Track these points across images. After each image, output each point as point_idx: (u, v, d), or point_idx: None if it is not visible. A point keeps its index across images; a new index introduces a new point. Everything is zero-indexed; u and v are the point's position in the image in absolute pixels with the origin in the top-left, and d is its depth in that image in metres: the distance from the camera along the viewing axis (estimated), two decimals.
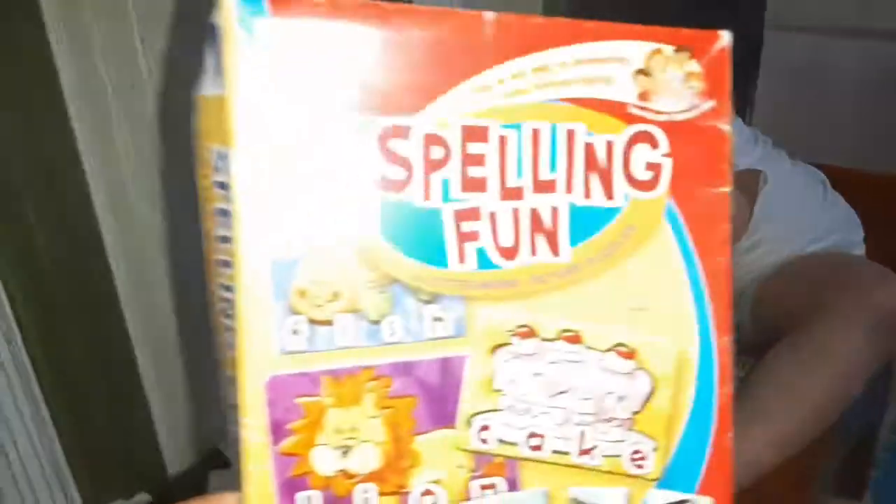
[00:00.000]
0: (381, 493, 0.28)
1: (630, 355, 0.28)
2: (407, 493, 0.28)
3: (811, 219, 0.95)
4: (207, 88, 0.27)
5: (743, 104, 1.85)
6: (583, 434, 0.29)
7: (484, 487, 0.28)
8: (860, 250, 0.98)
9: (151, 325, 0.80)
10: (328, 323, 0.27)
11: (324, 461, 0.27)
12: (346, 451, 0.28)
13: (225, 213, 0.26)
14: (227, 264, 0.27)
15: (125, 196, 0.72)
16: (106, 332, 0.76)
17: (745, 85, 1.83)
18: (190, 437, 0.88)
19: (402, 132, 0.27)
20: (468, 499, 0.28)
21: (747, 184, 0.87)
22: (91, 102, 0.67)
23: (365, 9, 0.26)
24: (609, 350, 0.28)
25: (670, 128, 0.28)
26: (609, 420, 0.29)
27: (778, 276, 0.90)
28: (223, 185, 0.26)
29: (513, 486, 0.29)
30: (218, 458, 0.88)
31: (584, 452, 0.29)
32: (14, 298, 0.65)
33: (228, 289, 0.27)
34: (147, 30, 0.68)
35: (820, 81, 1.72)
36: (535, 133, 0.28)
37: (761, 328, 0.94)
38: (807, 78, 1.74)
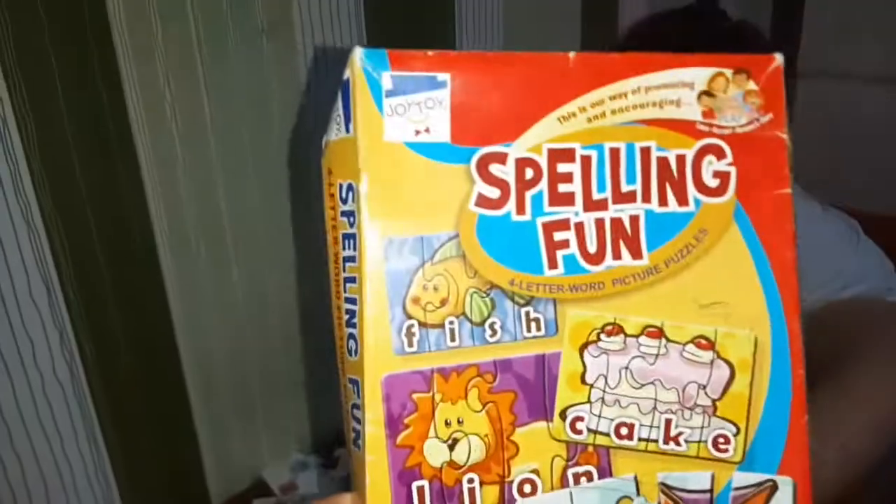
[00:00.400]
0: (484, 483, 0.31)
1: (709, 346, 0.31)
2: (508, 482, 0.31)
3: (843, 266, 0.93)
4: (334, 134, 0.31)
5: None
6: (668, 422, 0.31)
7: (578, 476, 0.31)
8: (894, 297, 0.99)
9: (203, 358, 0.83)
10: (438, 326, 0.30)
11: (434, 453, 0.30)
12: (453, 443, 0.31)
13: (350, 237, 0.30)
14: (352, 280, 0.30)
15: (186, 239, 0.77)
16: (161, 365, 0.80)
17: None
18: (235, 467, 0.91)
19: (499, 158, 0.30)
20: (564, 486, 0.31)
21: None
22: (159, 153, 0.71)
23: (469, 58, 0.29)
24: (689, 342, 0.31)
25: (734, 140, 0.31)
26: (692, 407, 0.31)
27: (810, 323, 0.90)
28: (348, 214, 0.30)
29: (604, 473, 0.31)
30: (260, 488, 0.91)
31: (671, 439, 0.31)
32: (77, 328, 0.69)
33: (352, 301, 0.30)
34: (212, 83, 0.74)
35: (852, 128, 1.75)
36: (614, 152, 0.31)
37: None
38: (839, 124, 1.78)
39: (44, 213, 0.62)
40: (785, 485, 0.31)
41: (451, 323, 0.30)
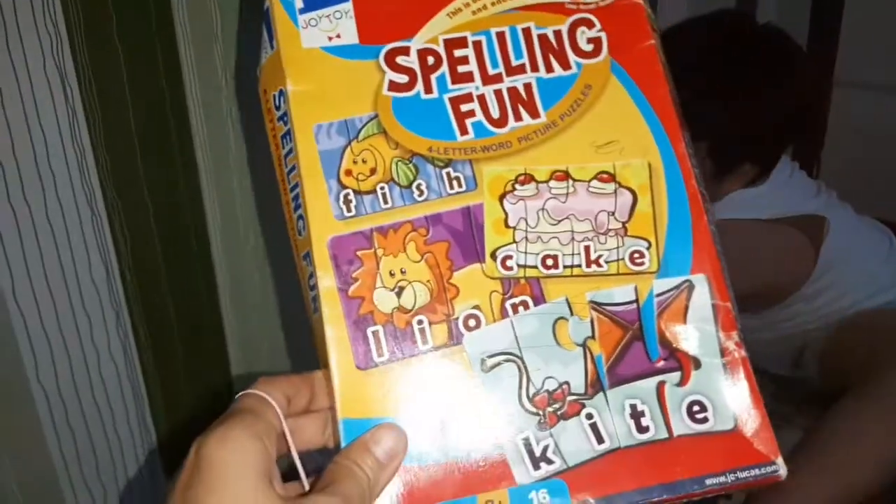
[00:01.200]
0: (433, 322, 0.34)
1: (610, 178, 0.36)
2: (454, 320, 0.34)
3: (875, 270, 0.96)
4: (263, 58, 0.38)
5: (810, 160, 1.92)
6: (587, 248, 0.35)
7: (515, 306, 0.35)
8: None
9: (248, 347, 0.83)
10: (371, 192, 0.35)
11: (383, 300, 0.34)
12: (399, 291, 0.35)
13: (286, 135, 0.36)
14: (293, 169, 0.36)
15: (237, 229, 0.78)
16: (208, 350, 0.80)
17: (812, 141, 1.91)
18: None
19: (403, 51, 0.37)
20: (504, 317, 0.34)
21: (810, 228, 0.89)
22: (215, 145, 0.74)
23: None
24: (593, 178, 0.36)
25: (599, 12, 0.38)
26: (606, 232, 0.35)
27: (844, 331, 0.92)
28: (282, 117, 0.36)
29: (539, 300, 0.35)
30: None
31: (592, 262, 0.35)
32: (132, 310, 0.70)
33: (295, 187, 0.36)
34: None
35: (886, 138, 1.77)
36: (500, 35, 0.37)
37: (829, 381, 0.95)
38: (874, 134, 1.80)
39: (106, 199, 0.64)
40: (700, 282, 0.34)
41: (382, 188, 0.36)
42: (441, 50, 0.37)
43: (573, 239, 0.35)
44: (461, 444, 0.33)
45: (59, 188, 0.62)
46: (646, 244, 0.35)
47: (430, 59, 0.37)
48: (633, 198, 0.35)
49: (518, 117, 0.37)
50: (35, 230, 0.61)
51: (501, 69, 0.37)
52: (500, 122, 0.37)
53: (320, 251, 0.35)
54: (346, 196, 0.35)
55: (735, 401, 0.33)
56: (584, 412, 0.33)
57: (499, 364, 0.34)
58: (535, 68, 0.37)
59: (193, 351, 0.77)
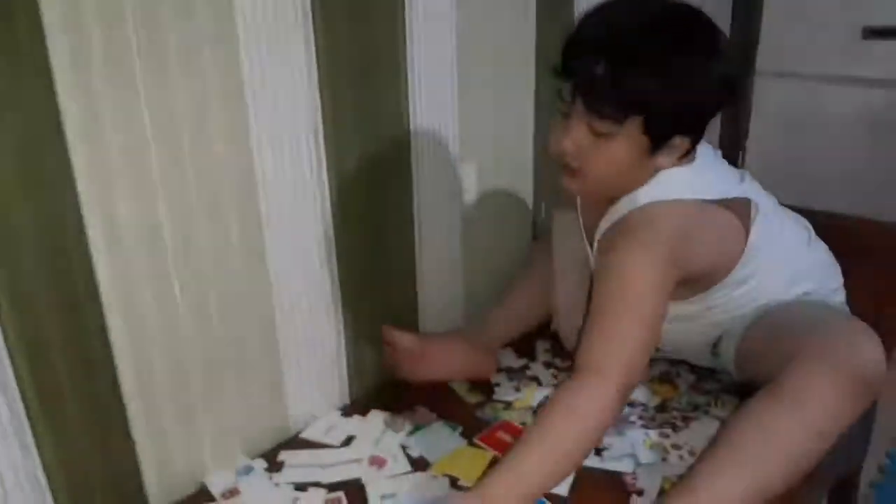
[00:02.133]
0: None
1: None
2: None
3: (796, 260, 0.98)
4: None
5: (734, 149, 1.95)
6: None
7: None
8: (840, 297, 1.02)
9: (140, 359, 0.80)
10: None
11: None
12: None
13: None
14: None
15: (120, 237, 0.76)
16: (94, 366, 0.76)
17: (736, 130, 1.93)
18: (176, 473, 0.85)
19: None
20: None
21: (740, 210, 0.90)
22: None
23: None
24: None
25: None
26: None
27: (759, 324, 0.94)
28: None
29: None
30: (204, 494, 0.86)
31: None
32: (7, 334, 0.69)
33: None
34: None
35: (809, 127, 1.80)
36: None
37: (742, 372, 0.98)
38: (793, 123, 1.83)
39: None
40: None
41: None
42: None
43: None
44: None
45: None
46: None
47: None
48: None
49: None
50: None
51: None
52: None
53: None
54: None
55: None
56: None
57: None
58: None
59: (78, 369, 0.76)
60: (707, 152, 0.92)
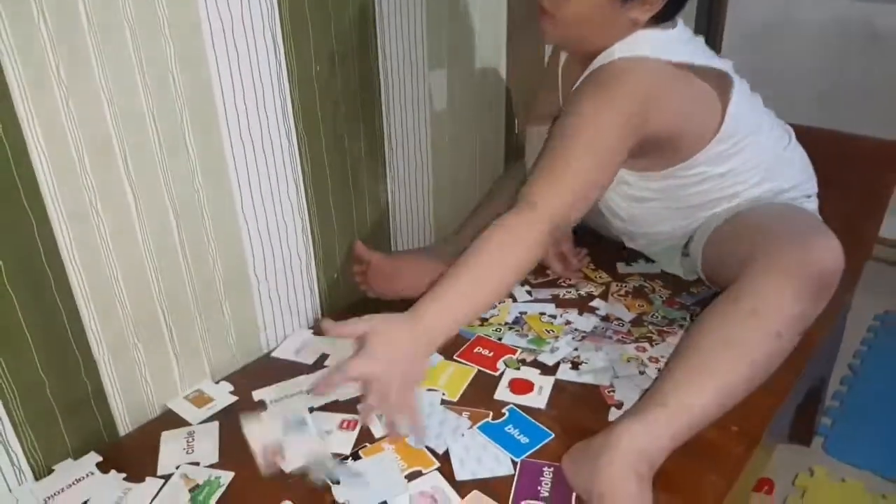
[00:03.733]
0: None
1: None
2: None
3: (773, 157, 0.97)
4: None
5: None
6: None
7: None
8: (813, 204, 1.01)
9: (101, 281, 0.75)
10: None
11: None
12: None
13: None
14: None
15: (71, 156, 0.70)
16: (44, 282, 0.71)
17: (711, 43, 1.89)
18: (143, 395, 0.82)
19: None
20: None
21: (718, 81, 0.88)
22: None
23: None
24: None
25: None
26: None
27: (725, 226, 0.93)
28: None
29: None
30: (171, 418, 0.83)
31: None
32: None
33: None
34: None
35: (783, 38, 1.77)
36: None
37: (708, 273, 0.97)
38: (769, 35, 1.80)
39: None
40: None
41: None
42: None
43: None
44: None
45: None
46: None
47: None
48: None
49: None
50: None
51: None
52: None
53: None
54: None
55: None
56: None
57: None
58: None
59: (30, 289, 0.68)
60: (687, 29, 0.91)
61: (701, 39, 0.93)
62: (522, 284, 1.08)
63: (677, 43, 0.87)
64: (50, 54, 0.65)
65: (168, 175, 0.78)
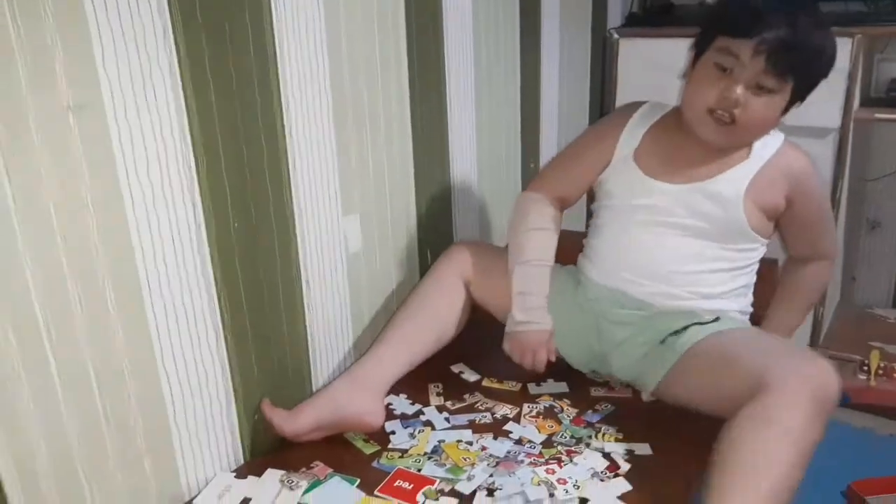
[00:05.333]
0: None
1: None
2: None
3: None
4: None
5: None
6: None
7: None
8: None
9: (14, 429, 0.76)
10: None
11: None
12: None
13: None
14: None
15: None
16: None
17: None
18: None
19: None
20: None
21: None
22: None
23: None
24: None
25: None
26: None
27: (707, 345, 1.04)
28: None
29: None
30: None
31: None
32: None
33: None
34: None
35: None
36: None
37: (670, 387, 1.06)
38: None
39: None
40: None
41: None
42: None
43: None
44: None
45: None
46: None
47: None
48: None
49: None
50: None
51: None
52: None
53: None
54: None
55: None
56: None
57: None
58: None
59: None
60: None
61: None
62: (441, 411, 1.13)
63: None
64: None
65: (88, 333, 0.81)
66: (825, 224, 1.18)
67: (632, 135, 1.16)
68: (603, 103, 2.07)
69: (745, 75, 0.98)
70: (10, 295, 0.73)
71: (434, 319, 1.19)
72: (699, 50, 1.05)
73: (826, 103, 1.74)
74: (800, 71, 0.98)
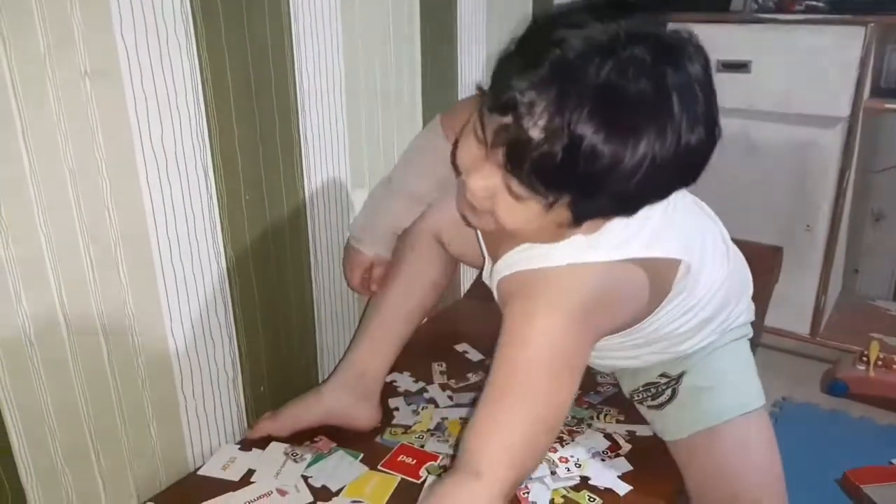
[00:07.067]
0: None
1: None
2: None
3: (705, 309, 0.94)
4: None
5: None
6: None
7: None
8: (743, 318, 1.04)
9: (25, 391, 0.76)
10: None
11: None
12: None
13: None
14: None
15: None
16: None
17: None
18: None
19: None
20: None
21: (663, 271, 0.83)
22: None
23: None
24: None
25: None
26: None
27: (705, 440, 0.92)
28: None
29: None
30: None
31: None
32: None
33: None
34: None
35: None
36: None
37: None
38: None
39: None
40: None
41: None
42: None
43: None
44: None
45: None
46: None
47: None
48: None
49: None
50: None
51: None
52: None
53: None
54: None
55: None
56: None
57: None
58: None
59: None
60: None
61: (663, 211, 0.82)
62: (444, 389, 1.14)
63: (626, 233, 0.78)
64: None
65: (99, 298, 0.82)
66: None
67: None
68: None
69: (492, 167, 0.70)
70: (24, 258, 0.74)
71: (413, 288, 1.08)
72: None
73: (836, 92, 1.74)
74: (564, 190, 0.66)
